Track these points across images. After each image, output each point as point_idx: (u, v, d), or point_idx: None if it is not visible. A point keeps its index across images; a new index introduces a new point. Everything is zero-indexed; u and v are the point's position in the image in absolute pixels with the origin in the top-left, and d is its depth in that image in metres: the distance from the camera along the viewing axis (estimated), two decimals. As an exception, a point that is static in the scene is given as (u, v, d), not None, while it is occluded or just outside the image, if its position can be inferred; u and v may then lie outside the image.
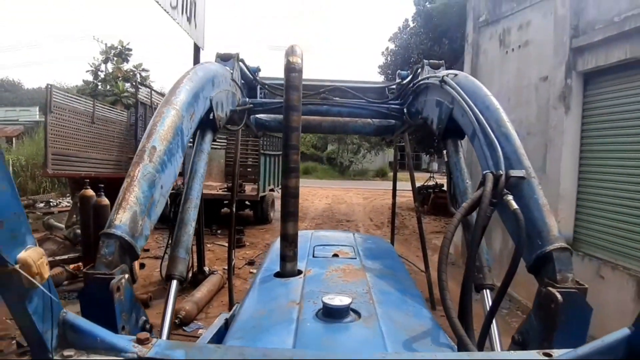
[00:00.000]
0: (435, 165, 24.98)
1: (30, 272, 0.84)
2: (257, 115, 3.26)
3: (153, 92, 12.81)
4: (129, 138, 12.76)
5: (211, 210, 10.52)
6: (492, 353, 1.13)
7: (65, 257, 6.91)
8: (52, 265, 6.61)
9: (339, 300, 1.56)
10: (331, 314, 1.56)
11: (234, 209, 4.92)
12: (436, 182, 17.47)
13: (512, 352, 1.11)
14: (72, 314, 1.01)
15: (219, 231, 11.20)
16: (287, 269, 2.13)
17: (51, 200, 13.41)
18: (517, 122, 6.69)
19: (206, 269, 7.24)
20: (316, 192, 20.57)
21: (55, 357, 0.94)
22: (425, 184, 17.31)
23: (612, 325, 3.75)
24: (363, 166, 37.07)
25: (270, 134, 13.83)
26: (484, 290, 1.74)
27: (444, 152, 2.22)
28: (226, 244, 9.07)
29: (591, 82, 5.73)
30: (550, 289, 1.28)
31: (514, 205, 1.44)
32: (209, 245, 9.24)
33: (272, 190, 13.61)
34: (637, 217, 4.83)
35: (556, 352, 1.05)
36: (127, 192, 1.29)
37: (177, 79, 1.84)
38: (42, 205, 12.93)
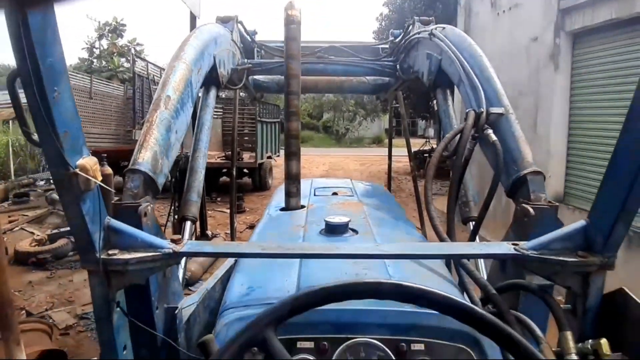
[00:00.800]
0: (431, 131, 25.01)
1: (87, 174, 1.00)
2: (255, 77, 3.39)
3: (149, 64, 12.76)
4: (127, 111, 12.81)
5: (210, 179, 10.69)
6: (467, 244, 1.27)
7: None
8: (57, 237, 6.83)
9: (339, 218, 1.76)
10: (333, 230, 1.76)
11: (234, 172, 5.09)
12: (432, 147, 17.58)
13: (486, 242, 1.27)
14: (115, 220, 1.18)
15: (218, 199, 11.41)
16: (291, 204, 2.34)
17: (51, 177, 13.48)
18: (509, 83, 6.77)
19: (209, 232, 7.47)
20: (313, 160, 20.70)
21: (102, 256, 1.10)
22: (422, 148, 17.46)
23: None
24: (359, 134, 37.04)
25: (265, 102, 13.87)
26: (470, 223, 1.93)
27: (434, 102, 2.38)
28: (226, 211, 9.31)
29: (579, 41, 5.84)
30: (524, 205, 1.45)
31: (493, 137, 1.63)
32: (210, 212, 9.45)
33: (269, 157, 13.73)
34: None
35: (523, 243, 1.22)
36: (148, 135, 1.43)
37: (184, 38, 1.98)
38: (42, 182, 13.06)
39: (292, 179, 2.34)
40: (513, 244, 1.23)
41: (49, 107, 0.90)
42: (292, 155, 2.36)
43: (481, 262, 1.80)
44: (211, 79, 2.30)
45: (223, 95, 13.71)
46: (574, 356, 1.05)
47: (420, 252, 1.24)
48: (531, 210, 1.40)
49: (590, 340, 1.06)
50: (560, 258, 1.16)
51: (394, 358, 1.13)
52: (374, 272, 1.38)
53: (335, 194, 2.63)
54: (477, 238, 1.84)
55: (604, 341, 1.02)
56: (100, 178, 1.05)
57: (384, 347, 1.15)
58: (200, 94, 2.34)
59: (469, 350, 1.16)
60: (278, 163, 14.91)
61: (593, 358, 1.04)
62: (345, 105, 35.11)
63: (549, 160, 5.98)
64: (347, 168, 19.32)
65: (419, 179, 7.69)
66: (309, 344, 1.17)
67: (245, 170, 12.65)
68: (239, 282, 1.53)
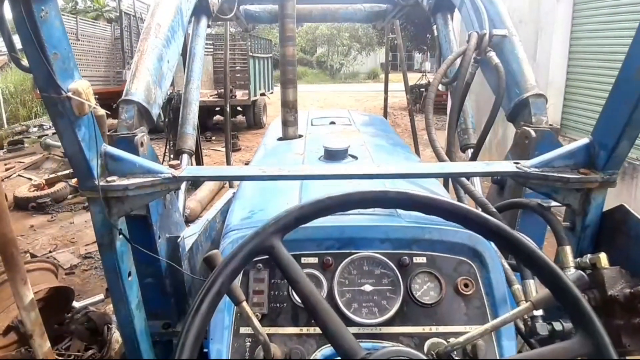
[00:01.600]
0: (427, 65, 24.52)
1: (80, 98, 0.98)
2: (246, 7, 3.24)
3: (136, 1, 12.17)
4: (115, 52, 12.42)
5: (204, 118, 10.57)
6: (469, 163, 1.26)
7: (67, 172, 7.05)
8: (54, 181, 6.82)
9: (338, 144, 1.74)
10: (332, 156, 1.74)
11: (227, 109, 5.01)
12: (428, 81, 17.28)
13: (488, 162, 1.28)
14: (111, 147, 1.16)
15: (213, 138, 11.32)
16: (289, 133, 2.30)
17: (43, 123, 13.29)
18: (510, 10, 6.54)
19: (205, 171, 7.48)
20: (307, 97, 20.39)
21: (100, 183, 1.09)
22: (418, 82, 17.16)
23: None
24: (354, 68, 36.28)
25: (257, 36, 13.40)
26: (468, 151, 1.92)
27: (434, 27, 2.29)
28: (221, 149, 9.25)
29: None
30: (525, 127, 1.44)
31: (496, 59, 1.60)
32: (205, 151, 9.42)
33: (263, 94, 13.48)
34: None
35: (525, 162, 1.22)
36: (139, 64, 1.38)
37: None
38: (35, 129, 12.87)
39: (289, 107, 2.28)
40: (515, 163, 1.24)
41: (36, 26, 0.87)
42: (288, 83, 2.29)
43: (478, 185, 1.81)
44: (201, 8, 2.21)
45: (213, 32, 13.23)
46: (573, 269, 1.08)
47: (422, 171, 1.24)
48: (532, 132, 1.40)
49: (588, 255, 1.10)
50: (562, 175, 1.17)
51: (396, 270, 1.16)
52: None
53: (333, 123, 2.59)
54: None
55: (602, 255, 1.06)
56: (94, 102, 1.02)
57: (387, 260, 1.17)
58: (190, 25, 2.25)
59: (469, 262, 1.19)
60: (272, 100, 14.65)
61: (590, 272, 1.08)
62: (340, 38, 34.09)
63: (547, 90, 5.89)
64: (342, 104, 19.07)
65: (415, 113, 7.65)
66: (314, 260, 1.19)
67: (238, 108, 12.46)
68: (240, 207, 1.54)
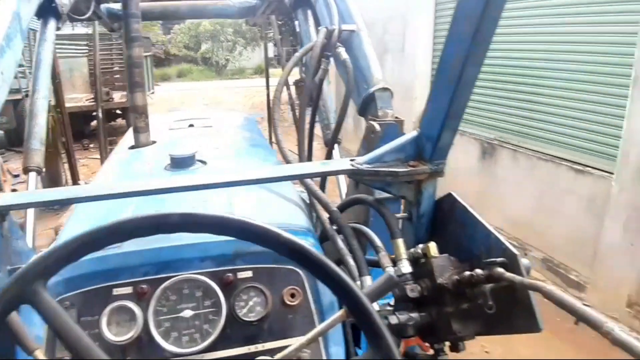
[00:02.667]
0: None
1: None
2: (109, 5, 3.03)
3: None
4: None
5: (80, 124, 9.74)
6: (308, 164, 1.28)
7: None
8: None
9: (184, 150, 1.68)
10: (178, 164, 1.66)
11: (100, 114, 4.68)
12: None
13: (326, 161, 1.32)
14: None
15: (90, 145, 10.47)
16: (140, 140, 2.16)
17: None
18: (381, 8, 6.94)
19: (81, 182, 6.91)
20: (192, 95, 19.74)
21: None
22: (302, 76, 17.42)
23: (463, 183, 4.46)
24: (240, 64, 35.71)
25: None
26: (335, 145, 1.98)
27: (296, 22, 2.34)
28: (99, 157, 8.62)
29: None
30: (370, 121, 1.50)
31: (344, 55, 1.65)
32: (82, 161, 8.72)
33: None
34: (480, 88, 5.51)
35: (360, 158, 1.26)
36: None
37: None
38: None
39: (139, 113, 2.15)
40: (351, 160, 1.26)
41: None
42: (135, 87, 2.15)
43: (343, 183, 1.87)
44: (48, 9, 2.00)
45: (90, 31, 12.20)
46: (405, 261, 1.12)
47: (256, 177, 1.18)
48: (377, 126, 1.44)
49: (420, 245, 1.13)
50: (392, 169, 1.21)
51: (217, 290, 1.10)
52: (214, 206, 1.35)
53: (191, 125, 2.50)
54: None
55: (431, 244, 1.09)
56: None
57: (208, 279, 1.11)
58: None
59: (297, 269, 1.17)
60: (153, 101, 13.96)
61: (424, 261, 1.11)
62: (224, 34, 33.35)
63: (415, 81, 6.35)
64: (228, 101, 18.74)
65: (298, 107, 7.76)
66: (127, 290, 1.10)
67: (117, 112, 11.64)
68: (66, 234, 1.37)
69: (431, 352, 1.10)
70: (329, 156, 1.79)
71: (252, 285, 1.13)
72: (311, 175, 1.28)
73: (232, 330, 1.10)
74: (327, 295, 1.15)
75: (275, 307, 1.13)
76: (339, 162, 1.31)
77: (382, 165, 1.23)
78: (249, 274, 1.15)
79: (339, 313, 0.80)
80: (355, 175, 1.27)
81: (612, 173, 3.74)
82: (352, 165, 1.23)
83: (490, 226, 1.07)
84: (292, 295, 1.14)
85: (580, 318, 0.72)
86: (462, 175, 5.73)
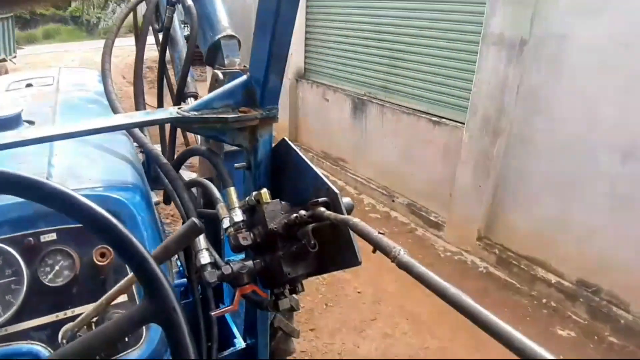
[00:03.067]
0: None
1: None
2: None
3: None
4: None
5: None
6: (134, 113, 1.17)
7: None
8: None
9: (10, 110, 1.50)
10: (2, 126, 1.46)
11: None
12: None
13: (149, 111, 1.22)
14: None
15: None
16: None
17: None
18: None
19: None
20: (61, 57, 17.61)
21: None
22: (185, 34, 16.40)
23: (338, 138, 4.56)
24: (113, 22, 32.54)
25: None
26: (190, 99, 1.89)
27: None
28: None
29: None
30: (215, 70, 1.45)
31: (189, 1, 1.58)
32: None
33: (3, 60, 11.23)
34: (350, 46, 5.64)
35: (187, 106, 1.21)
36: None
37: None
38: None
39: None
40: (178, 108, 1.20)
41: None
42: None
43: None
44: None
45: None
46: (237, 210, 1.10)
47: (77, 129, 1.07)
48: (220, 74, 1.39)
49: (254, 192, 1.11)
50: (221, 116, 1.16)
51: (17, 256, 1.01)
52: (29, 167, 1.22)
53: (29, 85, 2.24)
54: None
55: (264, 191, 1.08)
56: None
57: (6, 246, 1.01)
58: None
59: None
60: (17, 66, 12.34)
61: (258, 208, 1.09)
62: (93, -11, 29.92)
63: (293, 36, 6.29)
64: (100, 62, 17.07)
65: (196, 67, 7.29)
66: None
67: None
68: None
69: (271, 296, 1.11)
70: None
71: (58, 247, 1.04)
72: (133, 125, 1.18)
73: (38, 298, 1.01)
74: None
75: (84, 269, 1.05)
76: (164, 110, 1.22)
77: (211, 112, 1.18)
78: (52, 236, 1.05)
79: (130, 274, 0.77)
80: (181, 124, 1.20)
81: (464, 123, 4.12)
82: (179, 114, 1.16)
83: (317, 169, 1.09)
84: (102, 255, 1.06)
85: (375, 246, 0.76)
86: (336, 132, 5.93)
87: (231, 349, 1.61)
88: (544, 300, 3.60)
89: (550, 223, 3.61)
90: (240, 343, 1.64)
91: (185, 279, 1.84)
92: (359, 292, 3.68)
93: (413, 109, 4.78)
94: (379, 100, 5.22)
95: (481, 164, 3.94)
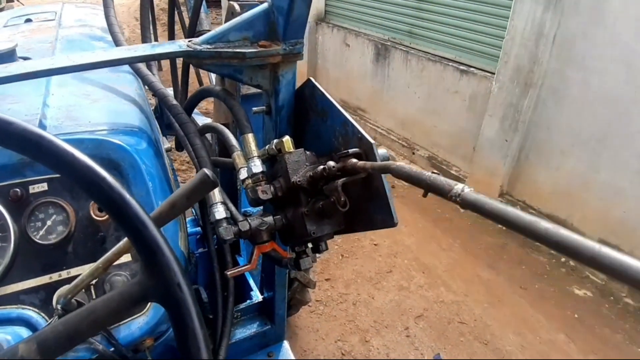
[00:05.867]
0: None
1: None
2: None
3: None
4: None
5: None
6: (135, 46, 1.07)
7: None
8: None
9: (3, 46, 1.35)
10: None
11: None
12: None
13: (155, 44, 1.08)
14: None
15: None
16: None
17: None
18: None
19: None
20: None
21: None
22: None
23: (358, 86, 4.39)
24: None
25: None
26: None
27: None
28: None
29: None
30: (231, 1, 1.29)
31: None
32: None
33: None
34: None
35: (198, 39, 1.07)
36: None
37: None
38: None
39: None
40: (188, 40, 1.05)
41: None
42: None
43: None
44: None
45: None
46: (256, 159, 1.00)
47: (71, 63, 0.94)
48: (236, 6, 1.23)
49: (275, 140, 1.01)
50: (237, 50, 1.01)
51: (2, 210, 0.89)
52: (22, 106, 1.09)
53: (29, 20, 2.09)
54: None
55: (286, 138, 0.98)
56: None
57: None
58: None
59: None
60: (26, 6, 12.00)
61: (279, 158, 0.99)
62: None
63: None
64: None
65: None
66: None
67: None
68: None
69: (292, 255, 1.04)
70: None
71: (49, 200, 0.93)
72: (136, 60, 1.03)
73: (28, 256, 0.90)
74: (146, 203, 0.97)
75: (80, 225, 0.94)
76: (173, 43, 1.06)
77: (226, 45, 1.03)
78: (43, 186, 0.93)
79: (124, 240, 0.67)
80: (192, 59, 1.05)
81: (493, 73, 3.90)
82: (189, 47, 1.02)
83: (347, 114, 0.97)
84: (101, 209, 0.95)
85: (429, 188, 0.64)
86: (356, 78, 5.71)
87: (248, 302, 1.57)
88: (563, 259, 3.52)
89: (576, 181, 3.47)
90: (257, 296, 1.60)
91: (200, 228, 1.77)
92: (375, 245, 3.65)
93: (440, 56, 4.53)
94: (403, 46, 4.96)
95: (509, 117, 3.76)
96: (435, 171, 0.67)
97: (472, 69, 4.19)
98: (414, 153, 4.87)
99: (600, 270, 0.41)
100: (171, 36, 1.72)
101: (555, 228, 0.46)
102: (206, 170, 0.61)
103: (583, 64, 3.24)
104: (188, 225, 2.05)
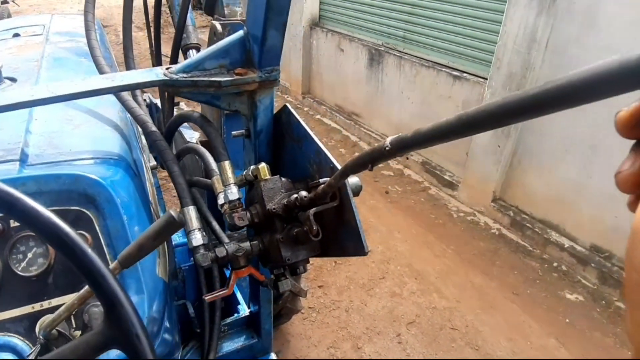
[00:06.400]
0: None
1: None
2: None
3: None
4: None
5: None
6: (113, 75, 1.08)
7: None
8: None
9: None
10: None
11: None
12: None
13: (136, 70, 1.09)
14: None
15: None
16: None
17: None
18: None
19: None
20: (65, 0, 17.24)
21: None
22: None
23: (352, 91, 4.39)
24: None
25: None
26: (191, 51, 1.77)
27: None
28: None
29: None
30: (214, 22, 1.32)
31: None
32: None
33: (5, 2, 10.85)
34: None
35: (175, 67, 1.09)
36: None
37: None
38: None
39: None
40: (166, 68, 1.05)
41: None
42: None
43: None
44: None
45: None
46: (233, 186, 1.01)
47: (57, 93, 0.95)
48: (218, 26, 1.26)
49: (252, 166, 1.02)
50: (213, 78, 1.02)
51: None
52: (5, 133, 1.11)
53: (17, 35, 2.10)
54: None
55: (262, 166, 0.99)
56: None
57: None
58: None
59: (85, 210, 1.00)
60: (21, 9, 12.04)
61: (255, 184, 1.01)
62: None
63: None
64: (107, 5, 16.56)
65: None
66: None
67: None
68: None
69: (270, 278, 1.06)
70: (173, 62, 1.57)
71: (29, 233, 0.94)
72: (115, 90, 1.04)
73: (12, 287, 0.93)
74: (122, 237, 1.00)
75: (59, 257, 0.96)
76: (149, 72, 1.07)
77: (202, 74, 1.04)
78: None
79: (113, 264, 0.70)
80: (168, 88, 1.06)
81: (486, 79, 3.92)
82: (165, 75, 1.03)
83: (319, 141, 0.99)
84: None
85: (369, 159, 0.67)
86: (350, 83, 5.73)
87: (235, 315, 1.60)
88: (555, 264, 3.55)
89: (568, 187, 3.49)
90: (244, 310, 1.63)
91: None
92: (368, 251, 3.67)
93: (433, 61, 4.55)
94: (397, 51, 4.99)
95: (501, 123, 3.77)
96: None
97: (465, 74, 4.21)
98: (407, 158, 4.89)
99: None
100: (158, 56, 1.73)
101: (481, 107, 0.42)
102: (172, 212, 0.63)
103: (576, 69, 3.25)
104: (180, 235, 2.07)
